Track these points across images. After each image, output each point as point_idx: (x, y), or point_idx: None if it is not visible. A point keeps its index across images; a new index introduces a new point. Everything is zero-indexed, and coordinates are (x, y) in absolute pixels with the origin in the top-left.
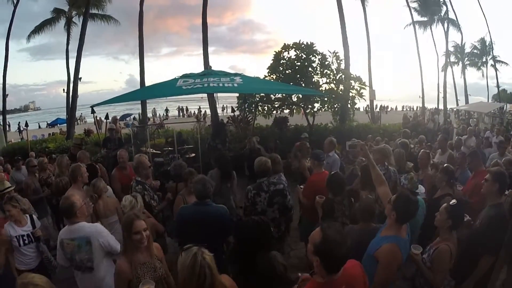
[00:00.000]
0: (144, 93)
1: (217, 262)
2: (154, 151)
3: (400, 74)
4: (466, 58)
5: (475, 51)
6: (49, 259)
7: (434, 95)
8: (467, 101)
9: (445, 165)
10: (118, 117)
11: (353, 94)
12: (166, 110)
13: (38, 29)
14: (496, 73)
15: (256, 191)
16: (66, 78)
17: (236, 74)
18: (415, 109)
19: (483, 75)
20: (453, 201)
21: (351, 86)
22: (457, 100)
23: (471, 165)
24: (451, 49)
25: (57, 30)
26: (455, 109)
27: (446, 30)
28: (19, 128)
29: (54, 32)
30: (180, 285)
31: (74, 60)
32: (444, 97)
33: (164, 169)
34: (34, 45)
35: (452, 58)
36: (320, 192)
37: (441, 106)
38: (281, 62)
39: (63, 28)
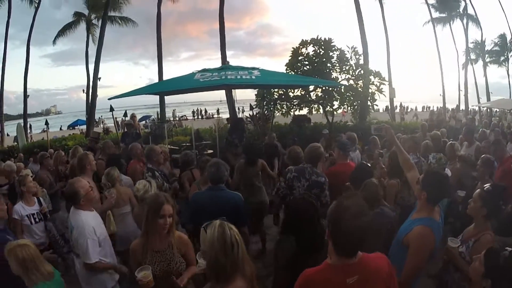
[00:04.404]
0: (162, 86)
1: None
2: (171, 147)
3: (419, 74)
4: (487, 55)
5: (496, 47)
6: (55, 237)
7: (454, 96)
8: (489, 100)
9: (484, 156)
10: (138, 118)
11: (373, 91)
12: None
13: (61, 33)
14: None
15: (297, 174)
16: (86, 83)
17: (254, 68)
18: (435, 110)
19: (508, 73)
20: (487, 185)
21: (371, 82)
22: (478, 99)
23: (496, 153)
24: (470, 46)
25: (77, 37)
26: (476, 108)
27: (465, 27)
28: (30, 128)
29: (75, 38)
30: (211, 265)
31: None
32: (465, 95)
33: None
34: (55, 52)
35: (472, 56)
36: (343, 184)
37: (462, 106)
38: (299, 58)
39: (84, 32)
